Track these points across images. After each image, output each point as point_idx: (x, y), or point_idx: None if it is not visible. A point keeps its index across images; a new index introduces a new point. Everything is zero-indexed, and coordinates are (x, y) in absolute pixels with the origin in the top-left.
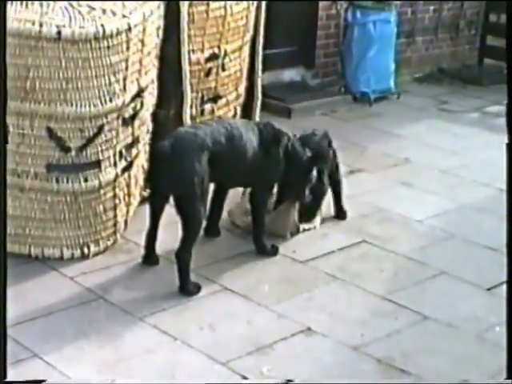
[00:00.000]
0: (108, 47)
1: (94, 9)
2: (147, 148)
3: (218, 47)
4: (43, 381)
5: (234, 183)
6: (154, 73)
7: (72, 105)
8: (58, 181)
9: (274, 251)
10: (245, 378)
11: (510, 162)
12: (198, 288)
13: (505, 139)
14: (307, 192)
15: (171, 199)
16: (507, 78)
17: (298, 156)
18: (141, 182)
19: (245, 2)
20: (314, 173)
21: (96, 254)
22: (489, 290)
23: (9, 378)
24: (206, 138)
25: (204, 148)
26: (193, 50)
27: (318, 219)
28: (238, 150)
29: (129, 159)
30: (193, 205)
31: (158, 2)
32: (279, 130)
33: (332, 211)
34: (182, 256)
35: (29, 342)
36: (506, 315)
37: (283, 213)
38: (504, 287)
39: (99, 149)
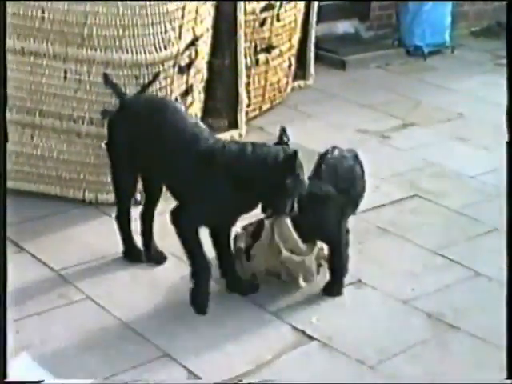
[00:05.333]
0: None
1: None
2: (202, 97)
3: None
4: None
5: None
6: (209, 22)
7: (128, 52)
8: None
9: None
10: (294, 327)
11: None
12: None
13: None
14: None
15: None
16: (507, 80)
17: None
18: None
19: None
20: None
21: None
22: None
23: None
24: None
25: None
26: (248, 0)
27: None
28: None
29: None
30: None
31: None
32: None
33: None
34: None
35: (81, 285)
36: (506, 314)
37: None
38: None
39: None
